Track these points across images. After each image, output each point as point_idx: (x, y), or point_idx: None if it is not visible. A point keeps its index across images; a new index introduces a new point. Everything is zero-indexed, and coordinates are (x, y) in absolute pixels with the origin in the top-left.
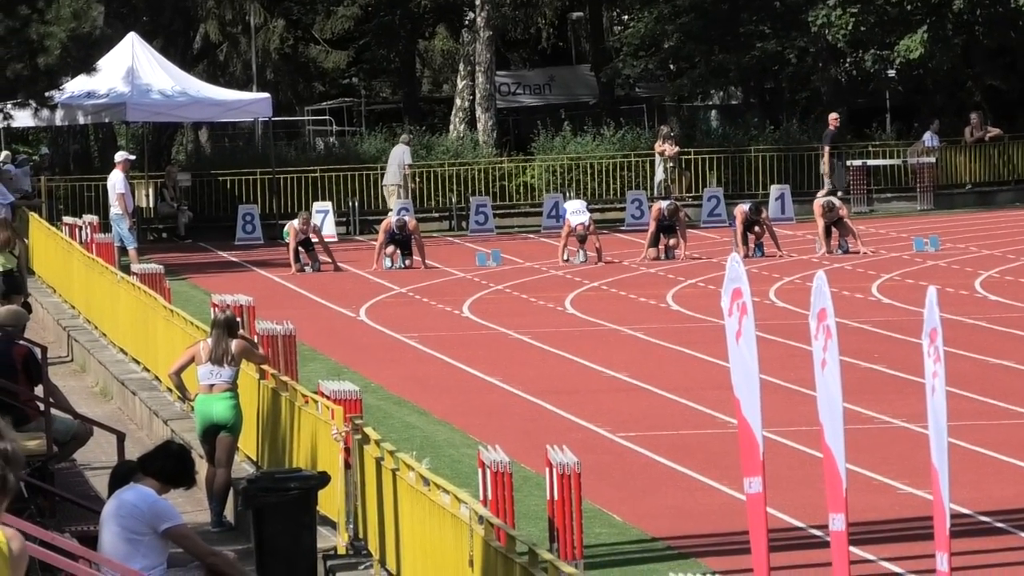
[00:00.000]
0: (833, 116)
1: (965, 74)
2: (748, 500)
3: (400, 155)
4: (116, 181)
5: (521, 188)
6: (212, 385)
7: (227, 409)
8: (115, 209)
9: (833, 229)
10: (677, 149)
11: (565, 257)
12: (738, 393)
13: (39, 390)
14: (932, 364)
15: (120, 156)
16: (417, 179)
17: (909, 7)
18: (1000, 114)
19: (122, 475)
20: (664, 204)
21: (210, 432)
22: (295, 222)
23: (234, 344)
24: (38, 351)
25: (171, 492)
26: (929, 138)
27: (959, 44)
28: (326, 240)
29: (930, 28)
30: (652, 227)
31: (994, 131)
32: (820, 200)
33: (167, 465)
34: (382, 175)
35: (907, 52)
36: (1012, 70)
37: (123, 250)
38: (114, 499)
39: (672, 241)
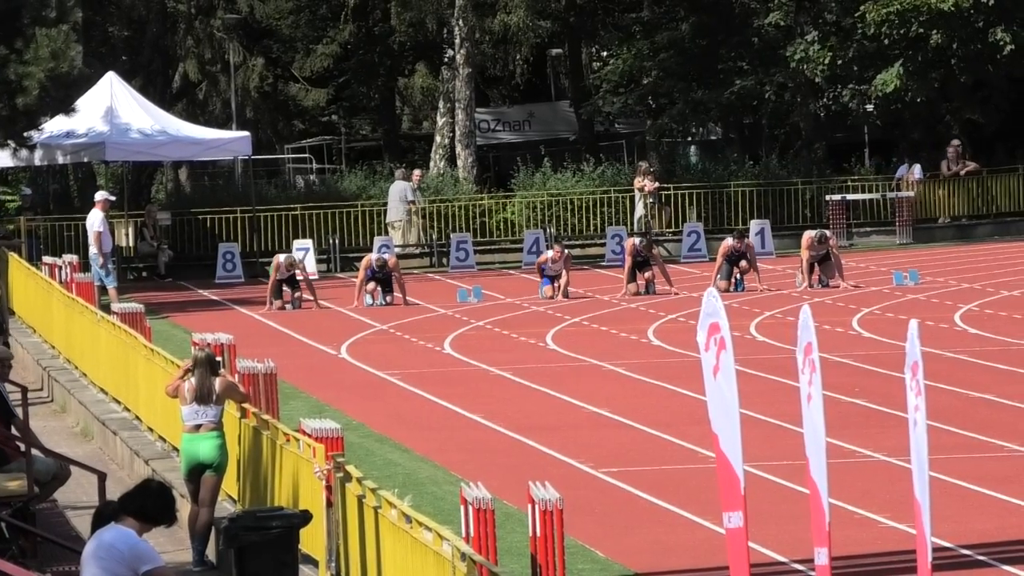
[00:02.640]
0: (955, 143)
1: (943, 108)
2: (728, 535)
3: (401, 191)
4: (94, 220)
5: (502, 224)
6: (199, 425)
7: (214, 449)
8: (93, 248)
9: (816, 266)
10: (657, 185)
11: (550, 295)
12: (716, 428)
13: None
14: (914, 398)
15: (100, 196)
16: (428, 214)
17: (886, 42)
18: (978, 148)
19: (107, 516)
20: (637, 240)
21: (196, 471)
22: (280, 257)
23: (218, 382)
24: (7, 389)
25: (152, 530)
26: (918, 170)
27: (936, 78)
28: (309, 278)
29: (907, 62)
30: (628, 263)
31: (971, 165)
32: (810, 232)
33: (147, 504)
34: (363, 212)
35: (884, 86)
36: (989, 104)
37: (103, 289)
38: (94, 539)
39: (649, 274)
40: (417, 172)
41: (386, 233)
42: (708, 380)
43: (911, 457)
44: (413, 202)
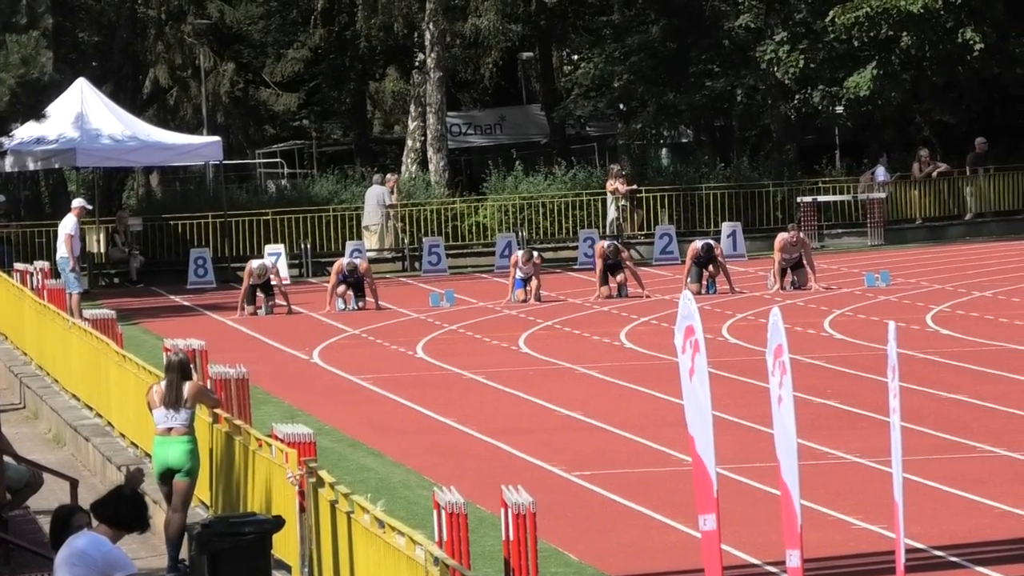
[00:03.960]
0: (980, 140)
1: (913, 110)
2: (703, 537)
3: (379, 195)
4: (67, 224)
5: (474, 228)
6: (169, 428)
7: (183, 453)
8: (61, 252)
9: (789, 270)
10: (629, 188)
11: (522, 298)
12: (692, 430)
13: None
14: (892, 400)
15: (77, 202)
16: (401, 218)
17: (857, 44)
18: (949, 149)
19: (63, 518)
20: (605, 243)
21: (167, 475)
22: (253, 264)
23: (187, 387)
24: None
25: (124, 537)
26: (881, 172)
27: (907, 80)
28: (283, 283)
29: (878, 65)
30: (599, 265)
31: (942, 166)
32: (784, 235)
33: (120, 510)
34: (335, 217)
35: (856, 88)
36: (959, 105)
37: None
38: (66, 546)
39: (620, 278)
40: (391, 177)
41: (358, 238)
42: (684, 382)
43: (889, 458)
44: (393, 206)
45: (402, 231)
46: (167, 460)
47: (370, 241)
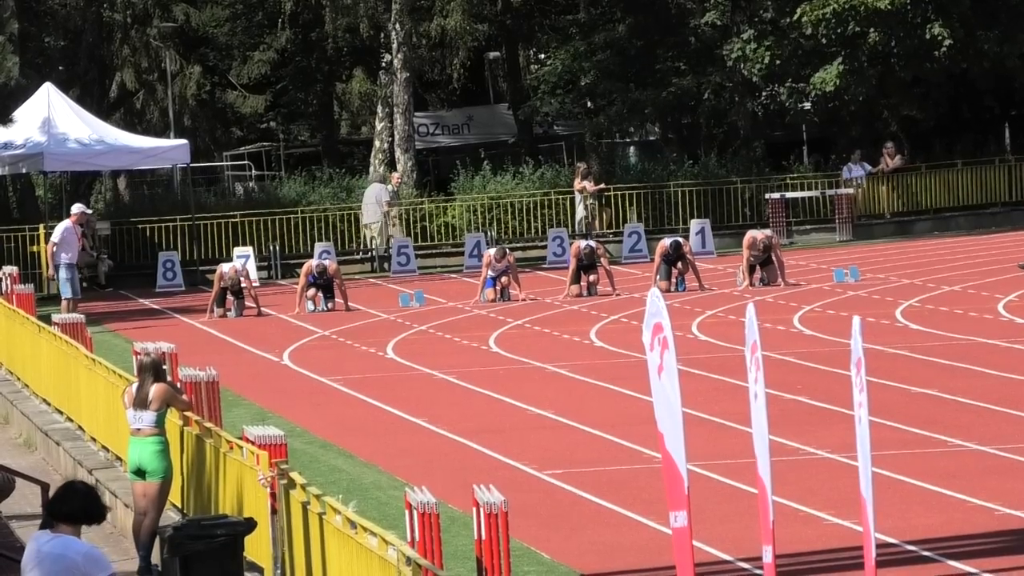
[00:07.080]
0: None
1: (880, 105)
2: (674, 534)
3: (377, 193)
4: (55, 233)
5: (442, 228)
6: (138, 429)
7: (150, 454)
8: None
9: (758, 267)
10: (598, 186)
11: (491, 297)
12: (661, 427)
13: None
14: (858, 394)
15: (76, 208)
16: (400, 213)
17: (824, 40)
18: (916, 144)
19: None
20: (582, 243)
21: (140, 474)
22: (224, 266)
23: (154, 388)
24: None
25: (91, 535)
26: (860, 168)
27: (874, 75)
28: (252, 285)
29: (845, 60)
30: (573, 264)
31: (897, 160)
32: (754, 233)
33: (84, 505)
34: (303, 218)
35: (822, 84)
36: (927, 100)
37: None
38: (34, 551)
39: (593, 278)
40: (396, 174)
41: (327, 239)
42: (653, 380)
43: (857, 453)
44: (398, 203)
45: (400, 229)
46: (137, 460)
47: (378, 239)
